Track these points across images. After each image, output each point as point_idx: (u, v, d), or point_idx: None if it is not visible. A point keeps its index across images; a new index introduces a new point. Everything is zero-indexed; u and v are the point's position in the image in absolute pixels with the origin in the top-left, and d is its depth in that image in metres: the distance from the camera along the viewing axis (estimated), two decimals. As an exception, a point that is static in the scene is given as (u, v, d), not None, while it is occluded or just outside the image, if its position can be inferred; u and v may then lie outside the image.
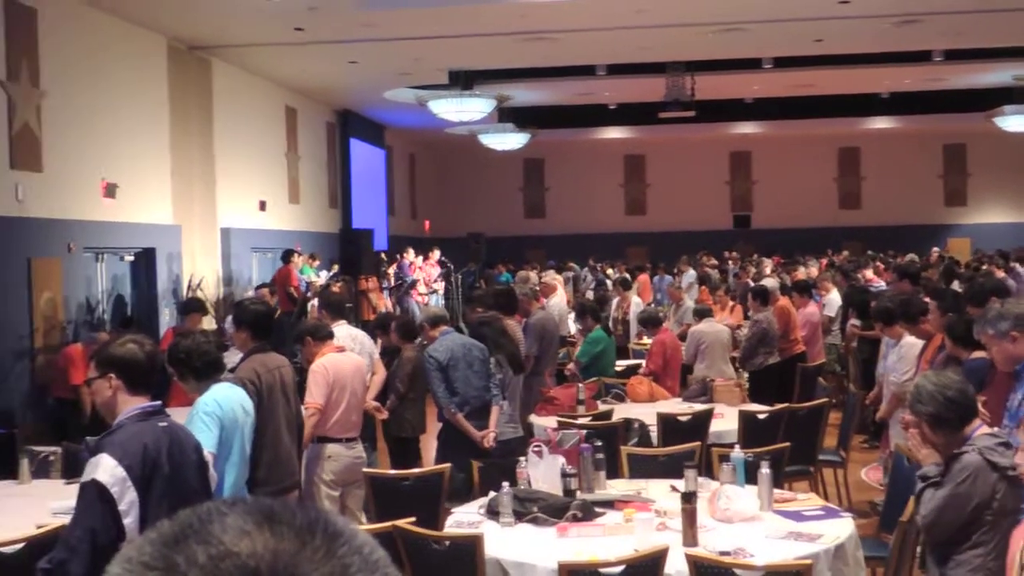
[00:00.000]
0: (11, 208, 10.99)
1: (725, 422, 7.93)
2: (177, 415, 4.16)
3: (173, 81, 14.68)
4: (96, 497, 3.41)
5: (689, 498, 4.79)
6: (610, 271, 22.42)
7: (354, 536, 0.85)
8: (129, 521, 3.43)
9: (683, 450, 6.42)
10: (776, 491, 5.50)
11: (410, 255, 20.52)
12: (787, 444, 6.75)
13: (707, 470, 6.36)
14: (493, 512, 5.22)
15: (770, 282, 15.15)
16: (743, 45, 16.65)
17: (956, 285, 12.25)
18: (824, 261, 22.10)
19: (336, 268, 17.89)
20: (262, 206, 17.77)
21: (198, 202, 15.30)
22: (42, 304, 11.35)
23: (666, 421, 7.63)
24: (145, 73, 14.02)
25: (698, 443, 6.73)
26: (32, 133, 11.32)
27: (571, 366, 10.12)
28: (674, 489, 5.51)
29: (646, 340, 11.84)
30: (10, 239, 10.92)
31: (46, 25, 11.60)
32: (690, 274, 19.76)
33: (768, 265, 21.28)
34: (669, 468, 6.13)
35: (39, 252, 11.40)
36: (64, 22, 12.01)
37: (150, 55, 14.20)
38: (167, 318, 13.88)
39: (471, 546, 4.65)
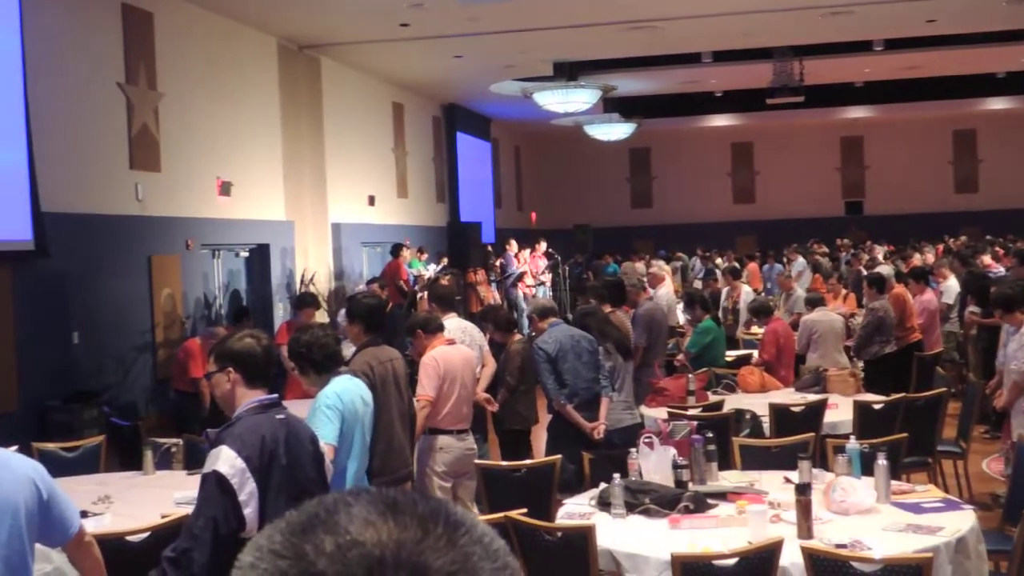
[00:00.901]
0: (132, 207, 11.33)
1: (839, 412, 7.79)
2: (293, 408, 4.24)
3: (284, 80, 14.97)
4: (217, 488, 3.49)
5: (804, 490, 4.72)
6: (719, 260, 22.18)
7: (474, 526, 0.87)
8: (249, 511, 3.50)
9: (796, 441, 6.32)
10: (893, 483, 5.37)
11: (513, 246, 20.57)
12: (904, 435, 6.60)
13: (821, 461, 6.25)
14: (604, 503, 5.21)
15: (885, 269, 14.82)
16: (853, 28, 16.31)
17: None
18: (940, 247, 21.53)
19: (446, 261, 18.04)
20: (371, 201, 18.01)
21: (309, 198, 15.58)
22: (162, 300, 11.69)
23: (779, 412, 7.53)
24: (257, 73, 14.32)
25: (812, 434, 6.62)
26: (150, 134, 11.65)
27: (681, 357, 10.04)
28: (788, 481, 5.43)
29: (756, 329, 11.69)
30: (131, 237, 11.27)
31: (161, 28, 11.93)
32: (800, 262, 19.44)
33: (880, 252, 20.81)
34: (782, 460, 6.05)
35: (159, 250, 11.74)
36: (179, 25, 12.33)
37: (261, 55, 14.50)
38: (281, 312, 14.17)
39: (583, 537, 4.66)
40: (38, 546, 3.46)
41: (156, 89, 11.81)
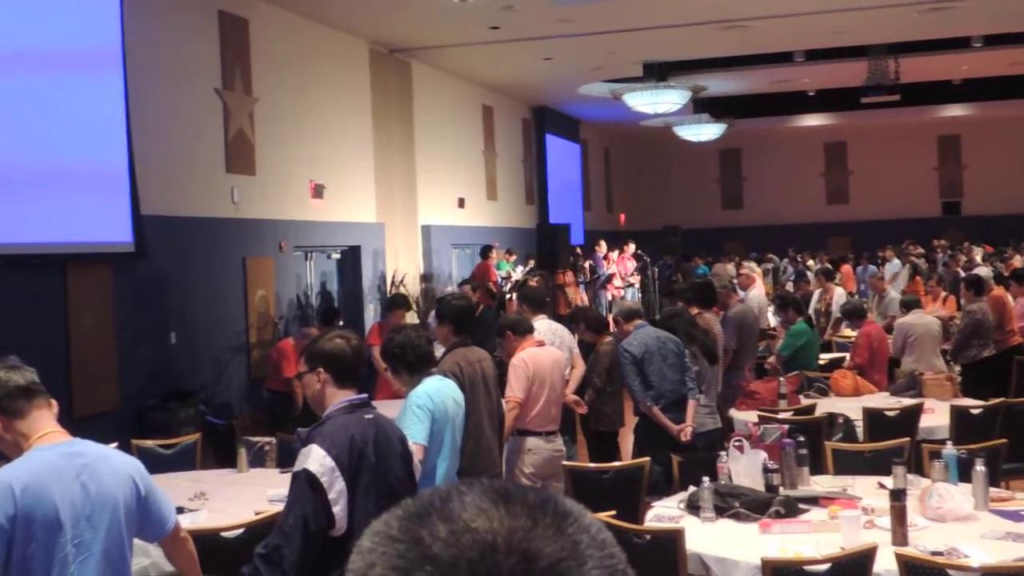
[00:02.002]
0: (228, 210, 11.55)
1: (935, 417, 7.63)
2: (383, 408, 4.28)
3: (375, 84, 15.13)
4: (307, 486, 3.53)
5: (898, 496, 4.62)
6: (811, 262, 21.84)
7: (582, 516, 0.90)
8: (338, 509, 3.53)
9: (891, 446, 6.20)
10: (992, 490, 5.24)
11: (602, 248, 20.50)
12: (1003, 440, 6.44)
13: (917, 467, 6.13)
14: (693, 506, 5.17)
15: (983, 271, 14.46)
16: (951, 24, 15.95)
17: None
18: (1043, 248, 20.93)
19: (532, 263, 18.06)
20: (461, 203, 18.11)
21: (400, 201, 15.72)
22: (256, 301, 11.90)
23: (872, 416, 7.39)
24: (349, 77, 14.50)
25: (907, 439, 6.49)
26: (246, 138, 11.87)
27: (772, 359, 9.92)
28: (882, 486, 5.34)
29: (847, 332, 11.50)
30: (227, 240, 11.49)
31: (257, 34, 12.14)
32: (895, 264, 19.06)
33: (979, 253, 20.31)
34: (876, 465, 5.94)
35: (253, 252, 11.95)
36: (273, 31, 12.54)
37: (353, 59, 14.67)
38: (372, 314, 14.32)
39: (672, 540, 4.62)
40: (136, 540, 3.54)
41: (252, 94, 12.03)
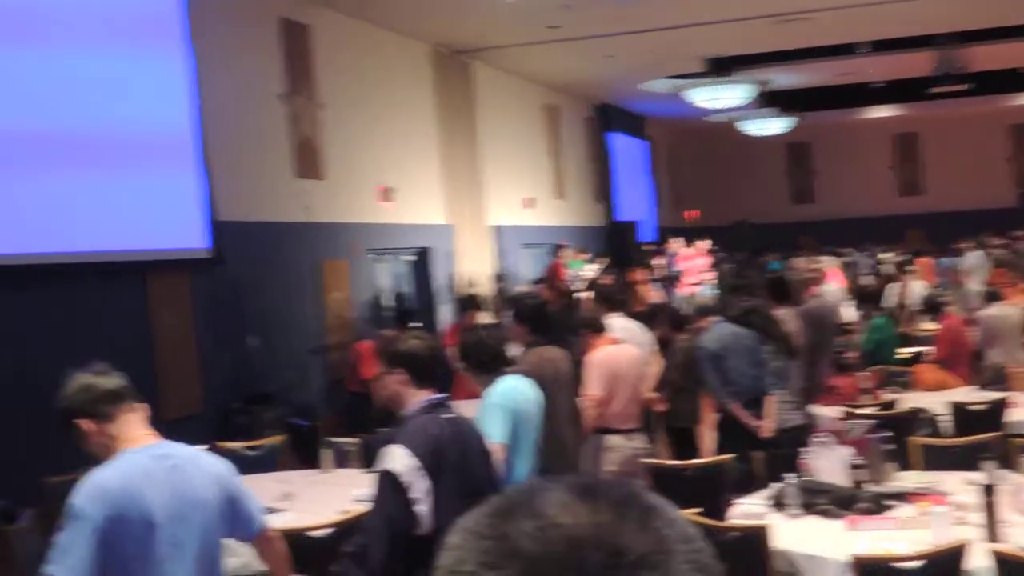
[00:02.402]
0: (299, 215, 11.66)
1: (1023, 411, 7.47)
2: (460, 407, 4.29)
3: (438, 86, 15.18)
4: (390, 486, 3.56)
5: (989, 491, 4.53)
6: (887, 255, 21.50)
7: (667, 510, 0.91)
8: (422, 508, 3.56)
9: (979, 441, 6.08)
10: (1087, 483, 5.11)
11: (676, 244, 20.37)
12: (1096, 433, 6.29)
13: (1005, 462, 6.00)
14: (779, 503, 5.11)
15: (1065, 260, 14.11)
16: (1021, 10, 15.58)
17: None
18: None
19: (606, 261, 17.99)
20: (529, 203, 18.11)
21: (468, 202, 15.75)
22: (332, 304, 12.00)
23: (958, 410, 7.26)
24: (412, 79, 14.56)
25: (996, 433, 6.35)
26: (313, 144, 11.98)
27: (851, 354, 9.79)
28: (970, 482, 5.23)
29: (926, 325, 11.32)
30: (300, 244, 11.60)
31: (319, 40, 12.24)
32: (973, 255, 18.67)
33: (1060, 243, 19.86)
34: (963, 460, 5.82)
35: (327, 255, 12.05)
36: (335, 35, 12.63)
37: (416, 62, 14.73)
38: (446, 315, 14.37)
39: (758, 537, 4.58)
40: (227, 541, 3.59)
41: (316, 100, 12.13)
